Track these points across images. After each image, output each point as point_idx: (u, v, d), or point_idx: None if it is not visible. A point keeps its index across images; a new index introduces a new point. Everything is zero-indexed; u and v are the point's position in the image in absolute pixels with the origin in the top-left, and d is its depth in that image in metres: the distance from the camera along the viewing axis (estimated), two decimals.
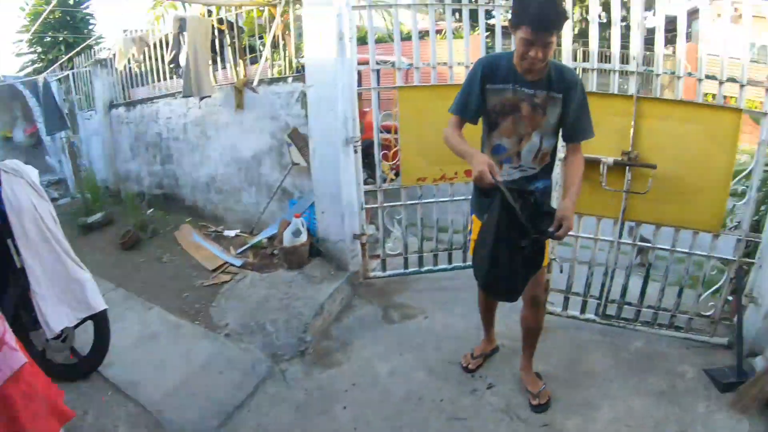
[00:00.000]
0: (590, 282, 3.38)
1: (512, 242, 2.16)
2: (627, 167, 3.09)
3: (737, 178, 3.20)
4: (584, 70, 3.25)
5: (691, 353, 3.23)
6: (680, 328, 3.34)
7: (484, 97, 2.38)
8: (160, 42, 5.40)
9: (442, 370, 3.00)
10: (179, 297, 3.69)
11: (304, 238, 3.74)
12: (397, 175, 3.99)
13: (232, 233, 4.57)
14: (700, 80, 3.05)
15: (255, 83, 4.20)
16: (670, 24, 3.06)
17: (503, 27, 3.53)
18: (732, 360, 3.05)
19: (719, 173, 3.04)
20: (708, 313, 3.30)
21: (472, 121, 2.46)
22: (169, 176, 5.54)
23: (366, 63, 3.72)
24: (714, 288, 3.33)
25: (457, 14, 3.40)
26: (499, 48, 3.75)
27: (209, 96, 4.51)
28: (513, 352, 3.08)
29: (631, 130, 3.07)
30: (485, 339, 3.09)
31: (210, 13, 4.81)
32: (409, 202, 3.77)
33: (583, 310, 3.45)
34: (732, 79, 2.99)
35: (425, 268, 3.97)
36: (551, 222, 2.21)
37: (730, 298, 3.27)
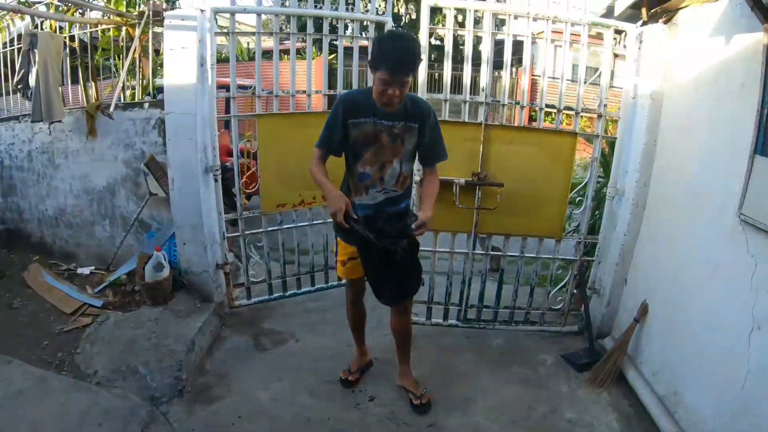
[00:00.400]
0: (450, 291, 3.62)
1: (382, 259, 2.48)
2: (477, 186, 3.36)
3: (575, 190, 3.63)
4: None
5: (547, 343, 3.62)
6: (535, 323, 3.72)
7: (346, 131, 2.54)
8: (3, 57, 4.90)
9: (323, 390, 3.04)
10: (39, 346, 3.31)
11: (166, 272, 3.56)
12: (248, 199, 3.97)
13: (86, 270, 4.21)
14: (540, 109, 3.43)
15: (111, 109, 3.92)
16: (516, 44, 3.36)
17: (361, 47, 3.68)
18: (584, 344, 3.49)
19: (558, 188, 3.44)
20: (558, 307, 3.72)
21: (336, 154, 2.63)
22: (13, 210, 4.96)
23: (225, 86, 3.66)
24: (561, 284, 3.72)
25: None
26: (356, 71, 3.87)
27: (59, 121, 4.15)
28: (387, 363, 3.21)
29: (480, 154, 3.35)
30: (359, 352, 3.19)
31: (61, 28, 4.44)
32: (270, 229, 3.77)
33: (445, 318, 3.70)
34: (569, 108, 3.40)
35: (290, 292, 3.99)
36: (411, 223, 2.48)
37: (575, 291, 3.69)
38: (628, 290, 3.43)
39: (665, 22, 3.14)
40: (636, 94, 3.31)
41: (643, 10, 3.23)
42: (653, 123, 3.22)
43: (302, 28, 3.65)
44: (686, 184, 2.88)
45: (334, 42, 3.82)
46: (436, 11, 3.35)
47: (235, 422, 2.79)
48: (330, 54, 5.99)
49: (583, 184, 3.63)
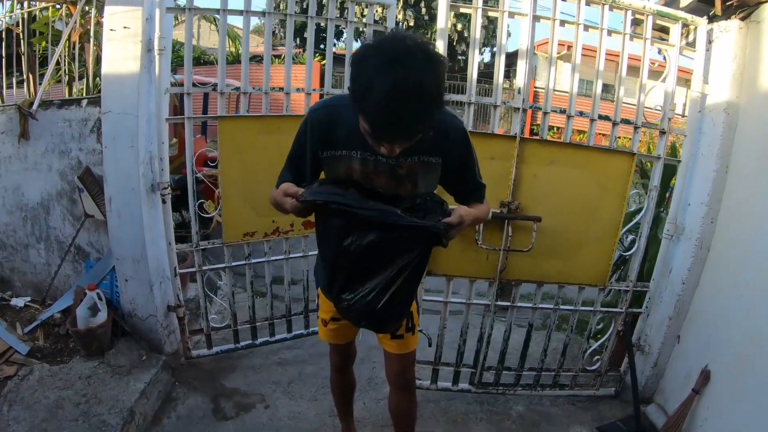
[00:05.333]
0: (462, 351, 2.90)
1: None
2: (507, 221, 2.61)
3: (626, 227, 2.91)
4: (458, 103, 2.73)
5: (578, 410, 3.01)
6: (564, 386, 3.05)
7: (317, 166, 1.67)
8: None
9: None
10: None
11: (103, 316, 2.78)
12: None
13: (21, 302, 3.40)
14: (592, 120, 2.71)
15: (34, 106, 3.12)
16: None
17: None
18: (621, 410, 2.94)
19: (608, 223, 2.74)
20: (594, 367, 3.05)
21: None
22: None
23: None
24: (601, 341, 3.05)
25: (298, 39, 2.74)
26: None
27: None
28: None
29: (512, 177, 2.60)
30: (344, 430, 2.46)
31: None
32: (234, 264, 2.98)
33: (455, 381, 2.98)
34: (626, 121, 2.72)
35: (261, 340, 3.21)
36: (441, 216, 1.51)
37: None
38: (681, 350, 2.82)
39: (742, 19, 2.56)
40: (703, 106, 2.70)
41: (717, 2, 2.61)
42: (727, 144, 2.60)
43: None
44: None
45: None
46: None
47: None
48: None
49: (635, 221, 2.90)
